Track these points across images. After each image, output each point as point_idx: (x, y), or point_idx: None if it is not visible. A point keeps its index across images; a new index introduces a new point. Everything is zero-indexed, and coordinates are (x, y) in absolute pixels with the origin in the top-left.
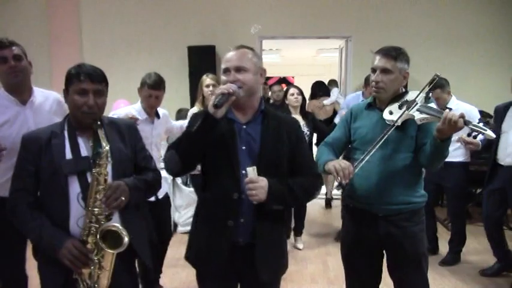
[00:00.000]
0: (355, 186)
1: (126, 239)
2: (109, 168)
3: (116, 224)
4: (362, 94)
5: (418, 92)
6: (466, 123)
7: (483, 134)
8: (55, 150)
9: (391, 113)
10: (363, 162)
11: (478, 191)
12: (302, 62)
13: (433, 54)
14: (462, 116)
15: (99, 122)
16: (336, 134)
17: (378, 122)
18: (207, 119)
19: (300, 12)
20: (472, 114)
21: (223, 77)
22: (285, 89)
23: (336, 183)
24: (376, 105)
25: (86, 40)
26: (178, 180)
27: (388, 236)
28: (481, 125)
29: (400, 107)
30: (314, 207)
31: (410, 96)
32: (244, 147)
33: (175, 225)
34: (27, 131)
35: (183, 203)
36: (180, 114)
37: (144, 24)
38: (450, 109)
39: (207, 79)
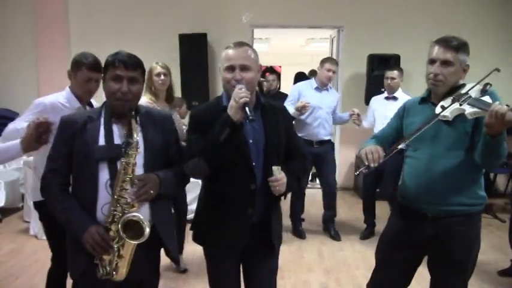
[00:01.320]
0: (405, 184)
1: (147, 230)
2: (140, 158)
3: (137, 214)
4: (314, 80)
5: (474, 84)
6: None
7: None
8: (89, 135)
9: (443, 107)
10: (398, 148)
11: None
12: (290, 51)
13: (426, 46)
14: (511, 109)
15: (133, 112)
16: (386, 128)
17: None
18: (235, 129)
19: (293, 1)
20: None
21: (227, 75)
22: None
23: (363, 166)
24: (430, 99)
25: (73, 28)
26: None
27: (435, 239)
28: None
29: (453, 101)
30: (307, 198)
31: (466, 89)
32: (251, 141)
33: None
34: None
35: None
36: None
37: (134, 11)
38: None
39: (157, 67)
